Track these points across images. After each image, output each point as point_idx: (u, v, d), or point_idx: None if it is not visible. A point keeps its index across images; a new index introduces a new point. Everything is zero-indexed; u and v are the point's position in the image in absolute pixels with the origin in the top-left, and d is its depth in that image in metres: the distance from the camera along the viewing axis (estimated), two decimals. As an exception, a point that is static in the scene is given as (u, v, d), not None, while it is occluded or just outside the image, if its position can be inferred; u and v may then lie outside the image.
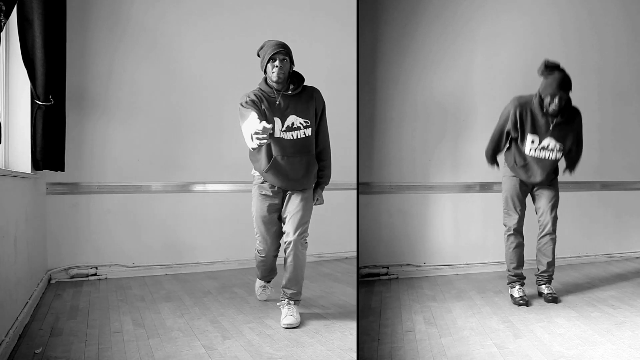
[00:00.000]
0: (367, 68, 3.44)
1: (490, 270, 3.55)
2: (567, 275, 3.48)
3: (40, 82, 2.72)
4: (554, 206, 2.91)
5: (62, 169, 3.07)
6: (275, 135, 2.43)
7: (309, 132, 2.49)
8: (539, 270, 2.98)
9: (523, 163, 2.84)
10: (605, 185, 4.00)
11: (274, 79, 2.39)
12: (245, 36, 3.68)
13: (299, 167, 2.49)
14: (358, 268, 3.35)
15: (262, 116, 2.37)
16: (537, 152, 2.78)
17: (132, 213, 3.56)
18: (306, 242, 2.54)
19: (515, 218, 2.91)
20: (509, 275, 2.95)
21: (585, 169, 3.83)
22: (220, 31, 3.79)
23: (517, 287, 2.90)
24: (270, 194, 2.55)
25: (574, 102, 2.84)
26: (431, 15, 3.55)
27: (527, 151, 2.79)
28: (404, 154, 3.55)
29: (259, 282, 2.90)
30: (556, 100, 2.64)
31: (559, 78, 2.63)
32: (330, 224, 4.09)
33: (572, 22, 3.82)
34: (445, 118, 3.60)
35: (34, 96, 2.78)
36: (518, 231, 2.93)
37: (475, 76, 3.65)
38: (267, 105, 2.43)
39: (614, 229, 4.05)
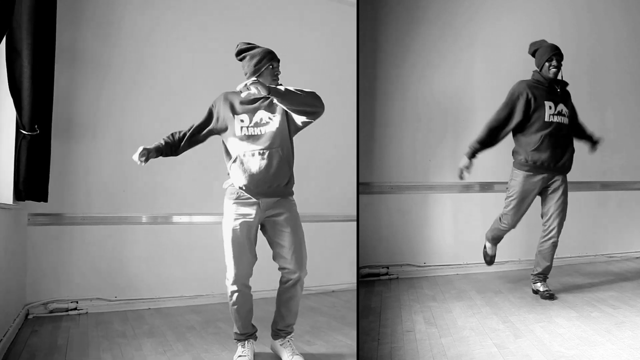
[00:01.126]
0: (367, 68, 3.44)
1: (490, 270, 3.54)
2: (567, 275, 3.48)
3: (26, 111, 2.67)
4: (563, 212, 2.91)
5: (45, 200, 2.95)
6: (237, 134, 2.24)
7: (277, 123, 2.23)
8: (535, 271, 3.00)
9: (537, 143, 2.83)
10: (605, 185, 3.99)
11: (275, 83, 2.25)
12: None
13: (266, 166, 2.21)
14: (358, 268, 3.34)
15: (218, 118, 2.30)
16: (554, 117, 2.83)
17: (116, 245, 3.40)
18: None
19: (516, 220, 2.98)
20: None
21: (585, 169, 3.85)
22: (212, 60, 3.63)
23: (490, 245, 3.19)
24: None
25: (574, 100, 2.91)
26: (432, 15, 3.55)
27: (546, 118, 2.82)
28: (404, 154, 3.55)
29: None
30: (554, 62, 2.81)
31: (549, 45, 2.86)
32: (316, 256, 3.95)
33: (571, 23, 3.82)
34: (445, 118, 3.60)
35: (19, 125, 2.72)
36: (512, 228, 3.04)
37: (475, 76, 3.65)
38: (234, 107, 2.28)
39: (614, 229, 4.04)
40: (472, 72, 3.64)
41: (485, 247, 3.23)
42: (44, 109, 2.85)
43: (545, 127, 2.82)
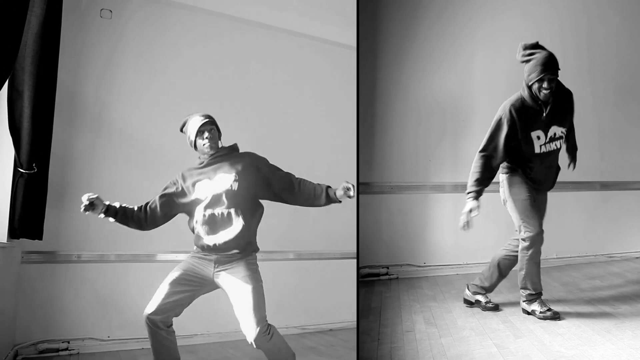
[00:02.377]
0: (367, 68, 3.44)
1: (490, 270, 3.55)
2: (567, 275, 3.47)
3: (25, 150, 2.69)
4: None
5: (40, 238, 2.92)
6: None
7: (235, 185, 2.23)
8: (481, 283, 2.82)
9: (531, 171, 2.60)
10: (605, 185, 3.99)
11: (206, 151, 2.27)
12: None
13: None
14: (358, 268, 3.34)
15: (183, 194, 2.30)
16: (546, 147, 2.54)
17: (110, 283, 3.34)
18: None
19: (537, 224, 2.57)
20: (529, 294, 2.62)
21: (585, 169, 3.84)
22: (210, 109, 3.65)
23: (538, 301, 2.63)
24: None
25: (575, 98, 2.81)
26: (432, 15, 3.55)
27: (537, 150, 2.52)
28: (404, 154, 3.55)
29: None
30: (545, 84, 2.40)
31: (541, 58, 2.41)
32: (312, 295, 4.01)
33: (570, 23, 3.83)
34: (445, 118, 3.61)
35: (17, 164, 2.73)
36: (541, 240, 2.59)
37: (475, 76, 3.65)
38: (193, 180, 2.29)
39: (614, 229, 4.04)
40: (472, 71, 3.64)
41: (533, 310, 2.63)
42: (43, 148, 2.86)
43: (535, 159, 2.56)
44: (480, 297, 2.77)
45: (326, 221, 4.11)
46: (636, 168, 4.05)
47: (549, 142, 2.54)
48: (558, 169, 2.72)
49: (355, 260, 3.37)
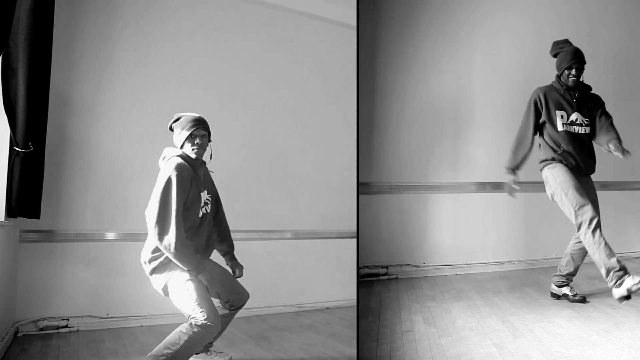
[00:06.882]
0: (366, 68, 3.44)
1: (490, 270, 3.55)
2: (567, 275, 3.48)
3: (21, 129, 2.67)
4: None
5: (38, 217, 2.92)
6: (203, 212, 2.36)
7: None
8: (562, 272, 2.87)
9: (562, 148, 2.77)
10: (605, 185, 3.99)
11: (193, 156, 2.30)
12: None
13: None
14: (358, 268, 3.34)
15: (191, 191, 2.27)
16: (568, 127, 2.78)
17: (108, 262, 3.33)
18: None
19: (590, 206, 2.59)
20: (615, 272, 2.46)
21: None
22: (212, 86, 3.62)
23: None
24: None
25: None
26: (430, 15, 3.55)
27: (559, 127, 2.77)
28: (403, 154, 3.56)
29: None
30: (573, 71, 2.76)
31: (571, 50, 2.78)
32: (311, 273, 4.03)
33: (570, 23, 3.83)
34: (444, 118, 3.61)
35: (12, 142, 2.71)
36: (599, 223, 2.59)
37: (474, 76, 3.65)
38: (194, 179, 2.31)
39: (614, 229, 4.02)
40: (471, 72, 3.64)
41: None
42: (38, 126, 2.84)
43: (562, 139, 2.77)
44: (566, 290, 2.86)
45: (324, 201, 4.12)
46: (636, 168, 4.05)
47: (570, 124, 2.78)
48: (592, 154, 2.85)
49: (355, 240, 3.37)
